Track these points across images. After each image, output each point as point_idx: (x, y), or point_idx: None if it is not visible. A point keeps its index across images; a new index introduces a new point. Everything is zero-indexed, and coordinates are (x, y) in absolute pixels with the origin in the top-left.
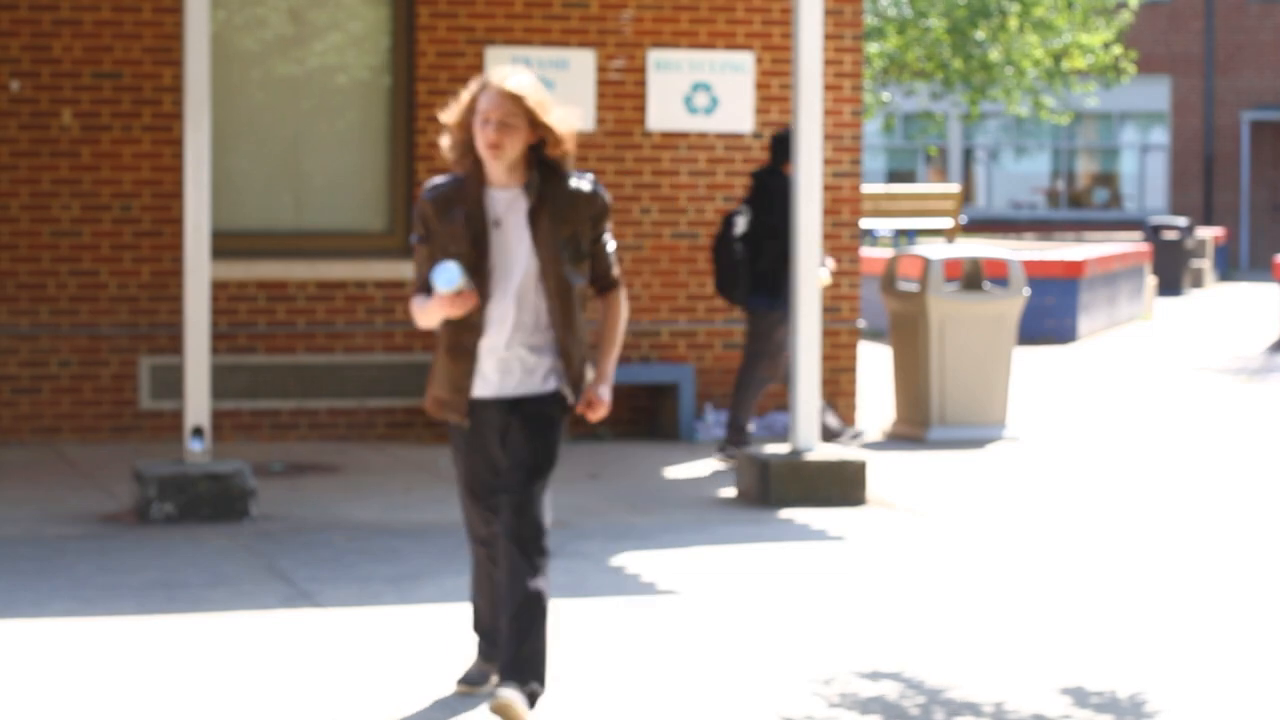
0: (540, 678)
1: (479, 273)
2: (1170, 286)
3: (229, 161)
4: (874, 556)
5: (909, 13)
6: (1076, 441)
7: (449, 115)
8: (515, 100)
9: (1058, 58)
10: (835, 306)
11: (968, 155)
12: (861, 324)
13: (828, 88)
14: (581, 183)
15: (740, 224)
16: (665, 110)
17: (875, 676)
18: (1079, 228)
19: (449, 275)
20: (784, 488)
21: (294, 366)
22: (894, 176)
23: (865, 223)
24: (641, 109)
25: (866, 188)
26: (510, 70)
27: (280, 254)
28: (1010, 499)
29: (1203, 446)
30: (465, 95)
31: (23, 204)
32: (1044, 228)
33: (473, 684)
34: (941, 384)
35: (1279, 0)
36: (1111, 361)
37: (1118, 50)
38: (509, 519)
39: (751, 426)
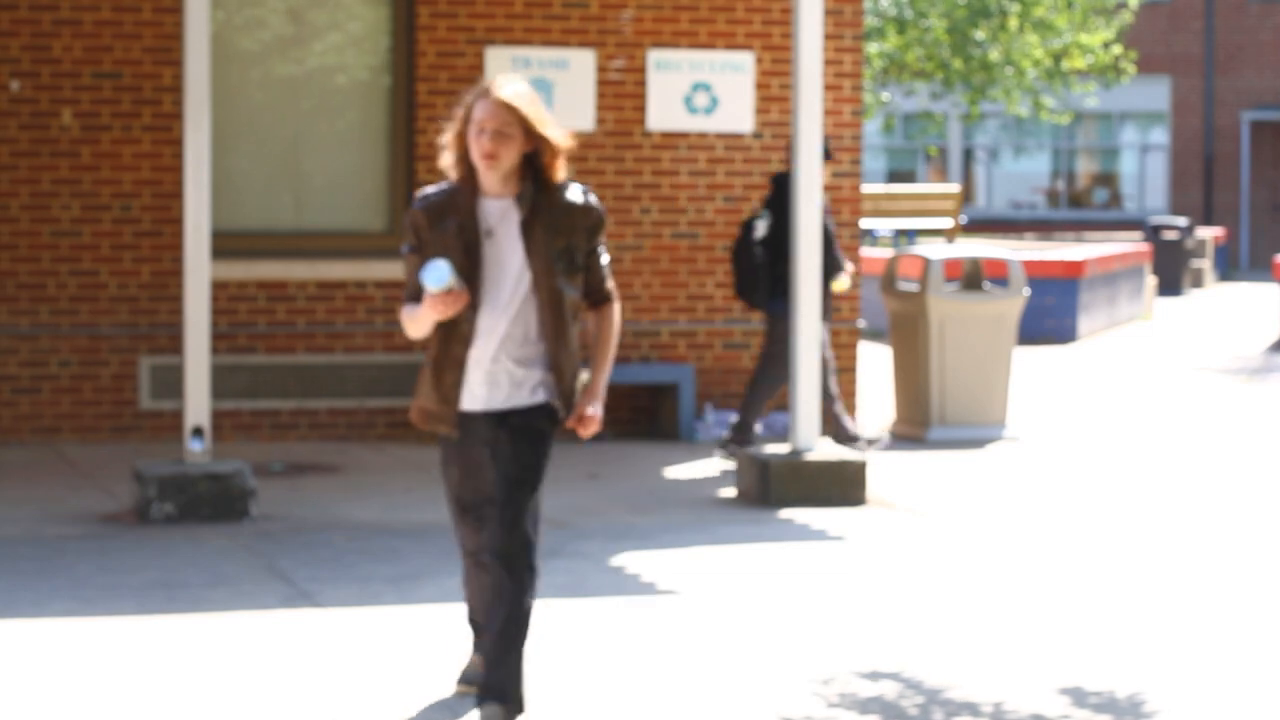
0: (521, 698)
1: (470, 283)
2: (1170, 286)
3: (229, 161)
4: (874, 556)
5: (909, 13)
6: (1076, 441)
7: (448, 131)
8: (511, 110)
9: (1058, 58)
10: (835, 307)
11: (968, 155)
12: (861, 324)
13: (828, 88)
14: (576, 194)
15: (760, 228)
16: (665, 110)
17: (875, 676)
18: (1079, 228)
19: (439, 273)
20: (784, 488)
21: (294, 366)
22: (894, 176)
23: (865, 223)
24: (641, 109)
25: (866, 188)
26: (506, 79)
27: (280, 254)
28: (1010, 499)
29: (1202, 447)
30: (460, 108)
31: (23, 204)
32: (1044, 228)
33: (472, 684)
34: (941, 384)
35: (1279, 0)
36: (1111, 361)
37: (1118, 50)
38: (496, 535)
39: (758, 427)
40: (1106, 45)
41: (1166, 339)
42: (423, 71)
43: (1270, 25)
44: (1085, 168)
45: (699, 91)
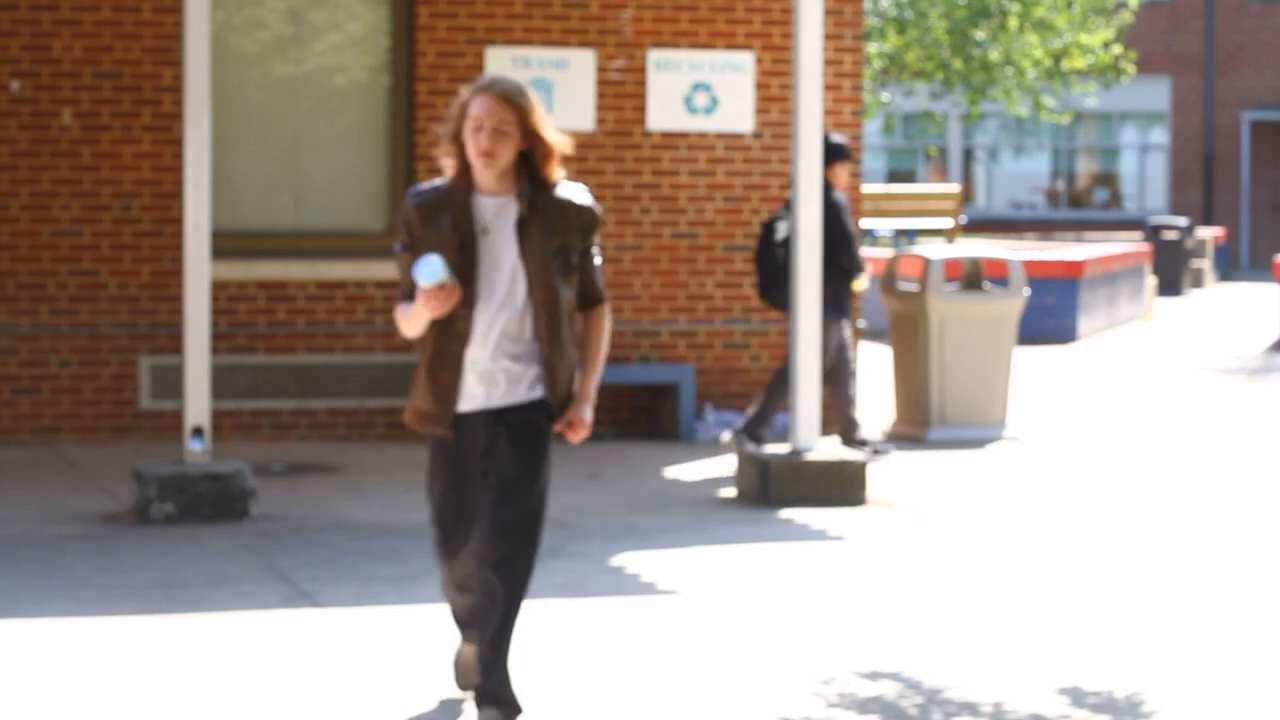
0: (515, 699)
1: (466, 280)
2: (1170, 286)
3: (229, 161)
4: (874, 556)
5: (909, 13)
6: (1076, 441)
7: (444, 130)
8: (509, 107)
9: (1058, 58)
10: None
11: (968, 155)
12: (862, 324)
13: (828, 88)
14: (572, 193)
15: (782, 229)
16: (665, 110)
17: (874, 676)
18: (1079, 228)
19: (432, 268)
20: (784, 488)
21: (294, 366)
22: (894, 176)
23: (865, 223)
24: (641, 109)
25: (866, 188)
26: (502, 76)
27: (280, 254)
28: (1010, 499)
29: (1202, 447)
30: (455, 105)
31: (23, 204)
32: (1044, 228)
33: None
34: (941, 384)
35: (1279, 0)
36: (1111, 361)
37: (1118, 50)
38: (488, 539)
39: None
40: (1106, 45)
41: (1166, 339)
42: (423, 71)
43: (1270, 25)
44: (1085, 168)
45: (699, 91)
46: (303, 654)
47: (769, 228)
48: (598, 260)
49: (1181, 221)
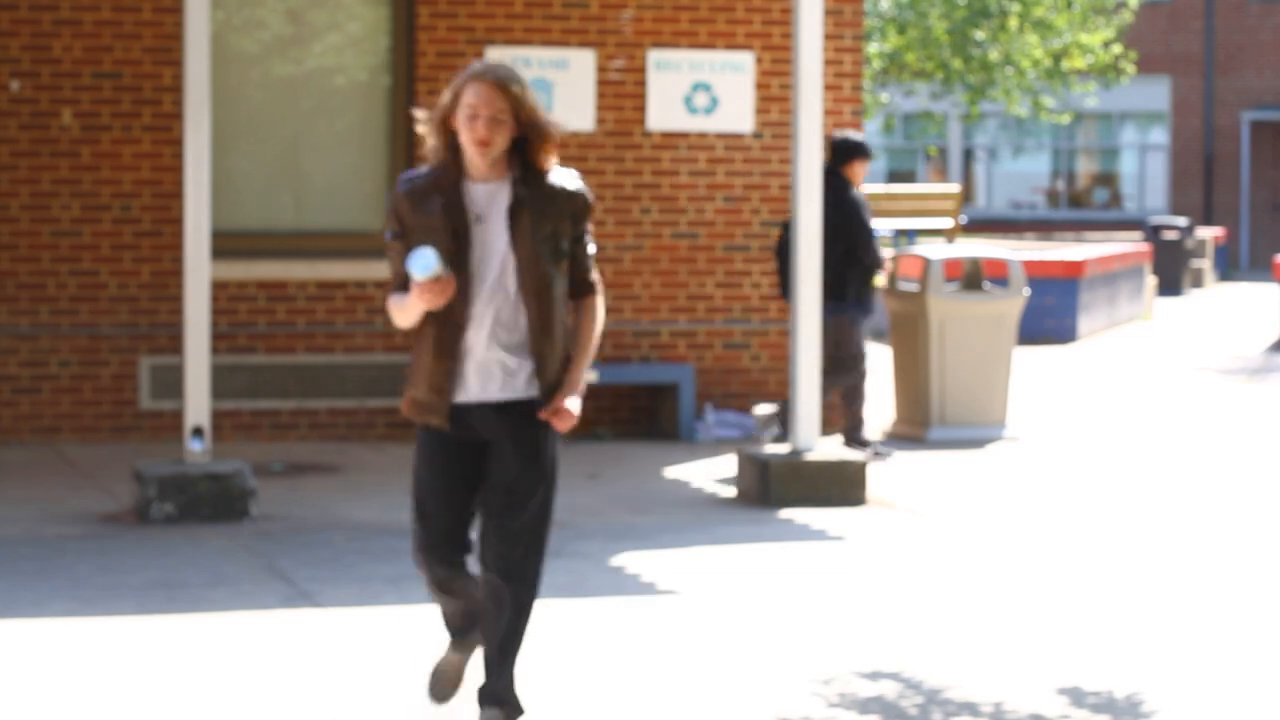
0: (518, 700)
1: (460, 269)
2: (1170, 286)
3: (229, 161)
4: (874, 556)
5: (909, 13)
6: (1076, 442)
7: (433, 115)
8: (505, 95)
9: (1057, 58)
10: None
11: (968, 155)
12: None
13: (828, 88)
14: (563, 179)
15: None
16: (665, 110)
17: (874, 676)
18: (1079, 228)
19: (425, 261)
20: (784, 488)
21: (294, 366)
22: (894, 176)
23: None
24: (641, 109)
25: (867, 188)
26: (496, 63)
27: (280, 254)
28: (1010, 499)
29: (1202, 447)
30: (448, 92)
31: (23, 204)
32: (1044, 228)
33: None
34: (941, 384)
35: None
36: (1111, 361)
37: (1118, 50)
38: (493, 545)
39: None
40: (1106, 45)
41: (1166, 339)
42: (423, 71)
43: (1270, 25)
44: (1085, 168)
45: (699, 91)
46: (303, 654)
47: (788, 226)
48: (591, 248)
49: (1181, 221)
